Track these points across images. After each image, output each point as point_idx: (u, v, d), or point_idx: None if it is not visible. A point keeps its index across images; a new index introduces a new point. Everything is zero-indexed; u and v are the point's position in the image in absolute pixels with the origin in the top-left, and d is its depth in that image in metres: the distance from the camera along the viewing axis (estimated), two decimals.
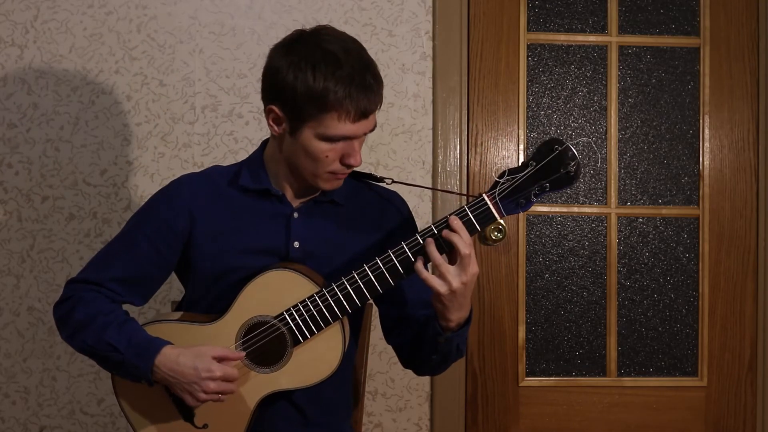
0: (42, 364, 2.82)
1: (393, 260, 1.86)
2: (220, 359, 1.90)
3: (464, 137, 2.94)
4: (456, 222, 1.84)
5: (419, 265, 1.85)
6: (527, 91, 3.00)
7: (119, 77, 2.85)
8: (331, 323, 1.90)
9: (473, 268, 1.85)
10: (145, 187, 2.83)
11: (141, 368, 1.91)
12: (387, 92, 2.90)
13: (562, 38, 3.01)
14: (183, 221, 2.01)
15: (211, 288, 2.01)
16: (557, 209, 3.00)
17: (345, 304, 1.89)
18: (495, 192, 1.85)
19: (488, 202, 1.85)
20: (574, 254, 3.01)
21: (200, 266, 2.01)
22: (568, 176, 1.83)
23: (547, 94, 3.01)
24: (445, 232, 1.84)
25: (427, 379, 2.92)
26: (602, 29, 3.02)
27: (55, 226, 2.83)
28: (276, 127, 1.94)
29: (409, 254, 1.86)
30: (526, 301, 2.99)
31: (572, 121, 3.02)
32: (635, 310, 3.02)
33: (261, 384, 1.94)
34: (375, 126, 1.93)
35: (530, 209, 1.95)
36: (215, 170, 2.10)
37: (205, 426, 1.97)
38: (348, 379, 2.16)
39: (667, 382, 3.02)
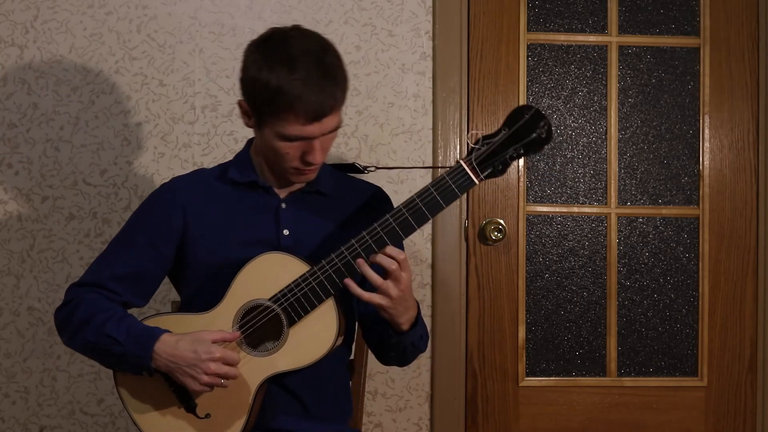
0: (42, 364, 2.82)
1: (380, 233, 1.92)
2: (218, 341, 1.94)
3: (464, 137, 2.94)
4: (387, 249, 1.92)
5: (356, 288, 1.92)
6: (527, 91, 3.00)
7: (119, 77, 2.85)
8: (324, 300, 1.93)
9: (405, 276, 1.92)
10: (145, 187, 2.83)
11: (141, 357, 1.95)
12: (387, 92, 2.91)
13: (562, 38, 3.01)
14: (178, 218, 2.07)
15: (207, 284, 2.05)
16: (557, 209, 3.00)
17: (336, 279, 1.92)
18: (471, 158, 1.91)
19: (466, 168, 1.91)
20: (574, 254, 3.01)
21: (196, 262, 2.07)
22: (540, 139, 1.90)
23: (547, 94, 3.01)
24: (372, 257, 1.91)
25: (427, 379, 2.92)
26: (602, 29, 3.02)
27: (55, 226, 2.83)
28: (246, 120, 2.03)
29: (395, 225, 1.92)
30: (526, 301, 2.99)
31: (572, 121, 3.02)
32: (635, 310, 3.02)
33: (260, 368, 1.96)
34: (338, 125, 1.98)
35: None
36: (203, 170, 2.19)
37: (207, 416, 1.99)
38: (346, 375, 2.21)
39: (667, 382, 3.02)
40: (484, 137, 1.91)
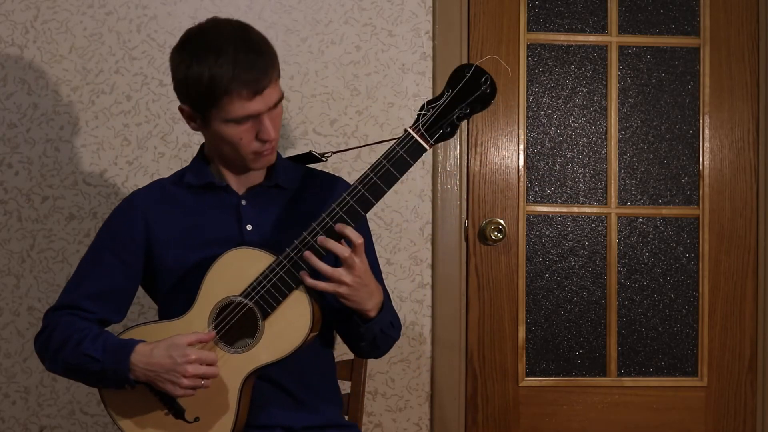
0: (42, 364, 2.82)
1: (339, 212, 1.92)
2: (194, 343, 1.94)
3: (464, 137, 2.94)
4: (338, 227, 1.91)
5: (309, 279, 1.91)
6: (527, 91, 3.00)
7: (119, 77, 2.85)
8: (294, 288, 1.93)
9: (359, 261, 1.92)
10: None
11: (120, 370, 1.95)
12: (387, 92, 2.91)
13: (562, 38, 3.01)
14: (140, 229, 2.08)
15: (180, 288, 2.05)
16: (557, 209, 3.00)
17: (303, 265, 1.92)
18: (418, 124, 1.92)
19: (414, 135, 1.92)
20: (574, 254, 3.01)
21: (165, 268, 2.08)
22: (484, 95, 1.91)
23: (547, 94, 3.01)
24: (321, 240, 1.90)
25: (427, 379, 2.92)
26: (602, 29, 3.02)
27: (55, 226, 2.83)
28: (192, 123, 2.03)
29: (353, 203, 1.92)
30: (526, 301, 2.99)
31: (572, 121, 3.02)
32: (635, 310, 3.02)
33: (241, 364, 1.96)
34: (280, 98, 1.99)
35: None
36: (160, 180, 2.20)
37: (196, 419, 1.98)
38: (331, 368, 2.21)
39: (667, 382, 3.02)
40: (428, 102, 1.92)
